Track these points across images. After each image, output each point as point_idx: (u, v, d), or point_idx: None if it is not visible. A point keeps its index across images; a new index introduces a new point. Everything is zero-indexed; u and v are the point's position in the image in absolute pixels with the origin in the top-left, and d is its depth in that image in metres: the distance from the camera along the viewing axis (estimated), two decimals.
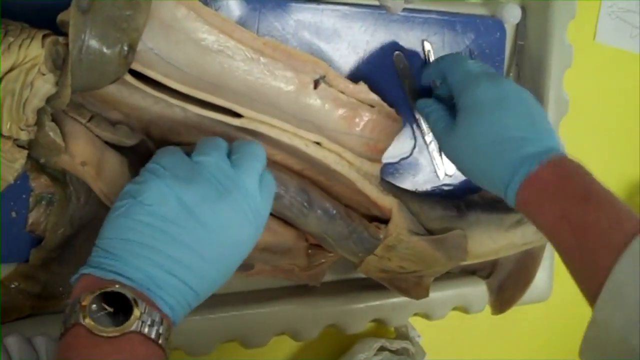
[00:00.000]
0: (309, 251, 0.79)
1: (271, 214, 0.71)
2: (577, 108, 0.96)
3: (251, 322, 0.78)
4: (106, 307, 0.51)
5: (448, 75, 0.76)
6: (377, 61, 0.85)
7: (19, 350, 0.58)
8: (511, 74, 0.95)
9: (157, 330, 0.52)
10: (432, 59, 0.87)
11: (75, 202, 0.69)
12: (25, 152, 0.59)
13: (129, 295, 0.51)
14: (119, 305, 0.51)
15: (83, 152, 0.63)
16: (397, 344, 0.90)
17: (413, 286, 0.83)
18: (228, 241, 0.57)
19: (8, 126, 0.57)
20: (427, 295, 0.84)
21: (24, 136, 0.58)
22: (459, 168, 0.75)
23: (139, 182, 0.56)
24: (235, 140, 0.62)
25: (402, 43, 0.86)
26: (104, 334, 0.50)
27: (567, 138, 0.94)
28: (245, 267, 0.75)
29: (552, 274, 0.97)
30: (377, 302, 0.84)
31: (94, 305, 0.50)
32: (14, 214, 0.70)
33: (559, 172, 0.66)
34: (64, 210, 0.70)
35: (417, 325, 0.92)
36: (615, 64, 1.07)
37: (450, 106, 0.77)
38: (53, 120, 0.61)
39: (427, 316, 0.90)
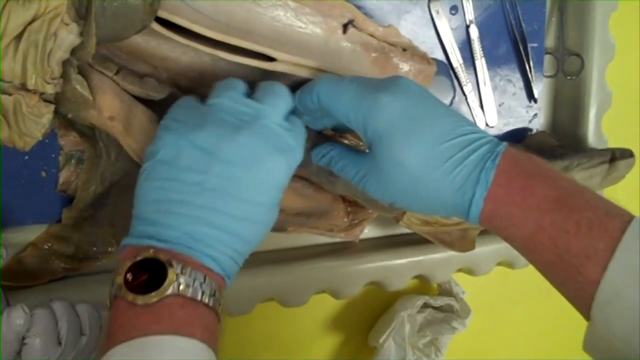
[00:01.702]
0: (349, 209, 0.77)
1: (302, 179, 0.69)
2: (623, 52, 0.92)
3: (290, 281, 0.77)
4: (141, 274, 0.50)
5: (334, 109, 0.61)
6: (411, 7, 0.82)
7: (64, 314, 0.57)
8: (553, 19, 0.91)
9: (201, 290, 0.50)
10: (469, 5, 0.84)
11: (106, 159, 0.68)
12: (52, 106, 0.57)
13: (162, 258, 0.50)
14: (156, 273, 0.50)
15: (111, 107, 0.61)
16: (440, 301, 0.88)
17: (458, 239, 0.80)
18: (259, 174, 0.54)
19: (33, 79, 0.55)
20: (473, 247, 0.81)
21: (49, 89, 0.56)
22: (400, 205, 0.62)
23: (155, 142, 0.55)
24: None
25: None
26: (142, 302, 0.48)
27: (614, 84, 0.91)
28: (278, 229, 0.74)
29: None
30: (420, 258, 0.82)
31: (129, 274, 0.49)
32: (44, 174, 0.70)
33: (518, 172, 0.56)
34: (95, 167, 0.68)
35: (461, 281, 0.89)
36: None
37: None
38: (79, 73, 0.59)
39: (471, 272, 0.87)
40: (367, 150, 0.60)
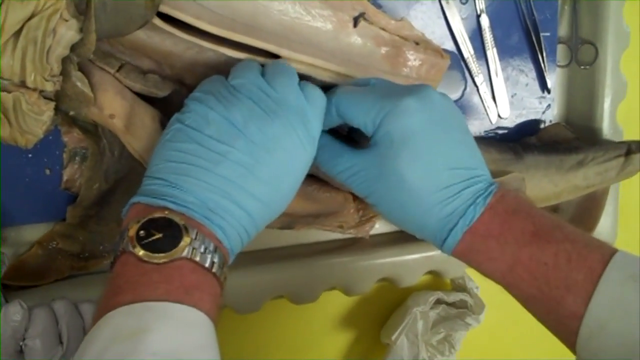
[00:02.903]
0: (359, 206, 0.76)
1: (314, 181, 0.68)
2: (638, 41, 0.91)
3: (300, 278, 0.76)
4: (155, 233, 0.49)
5: (352, 114, 0.60)
6: None
7: (65, 314, 0.57)
8: (566, 7, 0.90)
9: (211, 259, 0.50)
10: None
11: (110, 156, 0.67)
12: (52, 103, 0.56)
13: (178, 220, 0.50)
14: (170, 234, 0.49)
15: (112, 104, 0.61)
16: (454, 297, 0.87)
17: None
18: (281, 160, 0.55)
19: (32, 77, 0.54)
20: None
21: (49, 87, 0.55)
22: (381, 209, 0.62)
23: (184, 110, 0.55)
24: None
25: None
26: (153, 261, 0.48)
27: (628, 73, 0.90)
28: (285, 227, 0.73)
29: (617, 220, 0.92)
30: (432, 253, 0.81)
31: (142, 232, 0.49)
32: (48, 172, 0.69)
33: (502, 210, 0.58)
34: (98, 164, 0.68)
35: (475, 276, 0.88)
36: None
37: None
38: (80, 70, 0.58)
39: None
40: (366, 147, 0.60)
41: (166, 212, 0.50)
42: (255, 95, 0.55)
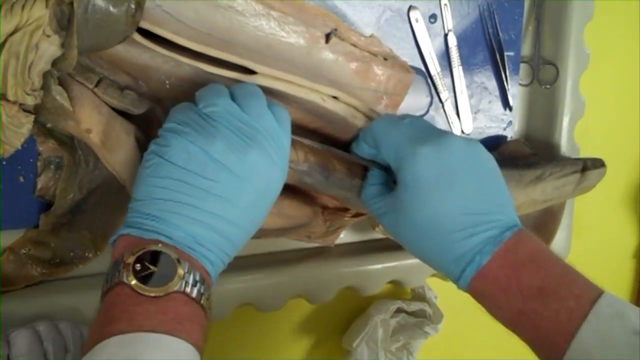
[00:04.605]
0: (327, 217, 0.78)
1: (285, 197, 0.69)
2: (597, 62, 0.94)
3: (266, 286, 0.77)
4: (150, 266, 0.51)
5: (381, 146, 0.65)
6: (391, 15, 0.82)
7: (49, 334, 0.59)
8: (530, 28, 0.92)
9: (199, 290, 0.52)
10: (448, 14, 0.84)
11: (84, 167, 0.68)
12: (32, 117, 0.57)
13: (172, 255, 0.51)
14: (165, 268, 0.51)
15: (89, 119, 0.61)
16: (414, 306, 0.89)
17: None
18: (259, 186, 0.57)
19: (13, 90, 0.54)
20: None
21: (30, 101, 0.55)
22: (406, 248, 0.66)
23: (162, 142, 0.56)
24: None
25: None
26: (149, 294, 0.50)
27: (587, 93, 0.92)
28: (254, 237, 0.74)
29: (571, 233, 0.96)
30: (394, 264, 0.83)
31: (138, 265, 0.50)
32: (22, 179, 0.69)
33: (511, 260, 0.59)
34: (73, 175, 0.68)
35: (434, 286, 0.90)
36: (638, 17, 1.03)
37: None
38: (60, 84, 0.58)
39: (444, 277, 0.88)
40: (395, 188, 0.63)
41: (159, 245, 0.51)
42: (231, 123, 0.56)
